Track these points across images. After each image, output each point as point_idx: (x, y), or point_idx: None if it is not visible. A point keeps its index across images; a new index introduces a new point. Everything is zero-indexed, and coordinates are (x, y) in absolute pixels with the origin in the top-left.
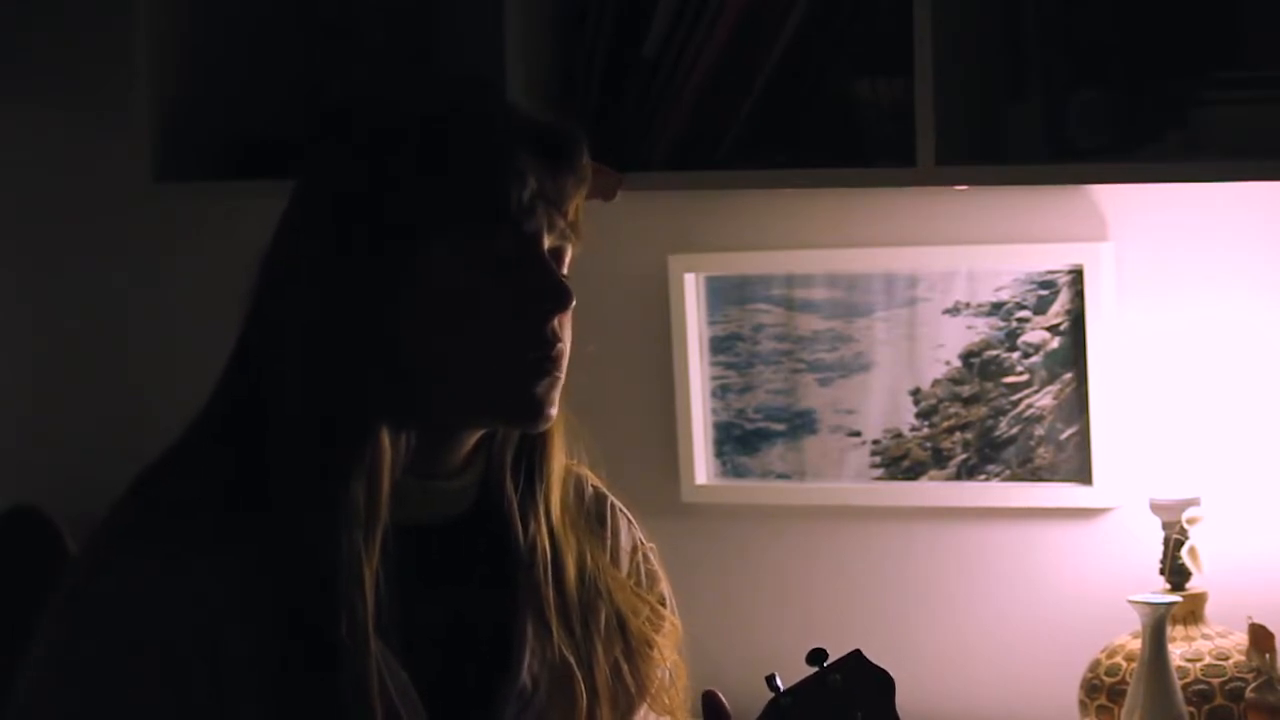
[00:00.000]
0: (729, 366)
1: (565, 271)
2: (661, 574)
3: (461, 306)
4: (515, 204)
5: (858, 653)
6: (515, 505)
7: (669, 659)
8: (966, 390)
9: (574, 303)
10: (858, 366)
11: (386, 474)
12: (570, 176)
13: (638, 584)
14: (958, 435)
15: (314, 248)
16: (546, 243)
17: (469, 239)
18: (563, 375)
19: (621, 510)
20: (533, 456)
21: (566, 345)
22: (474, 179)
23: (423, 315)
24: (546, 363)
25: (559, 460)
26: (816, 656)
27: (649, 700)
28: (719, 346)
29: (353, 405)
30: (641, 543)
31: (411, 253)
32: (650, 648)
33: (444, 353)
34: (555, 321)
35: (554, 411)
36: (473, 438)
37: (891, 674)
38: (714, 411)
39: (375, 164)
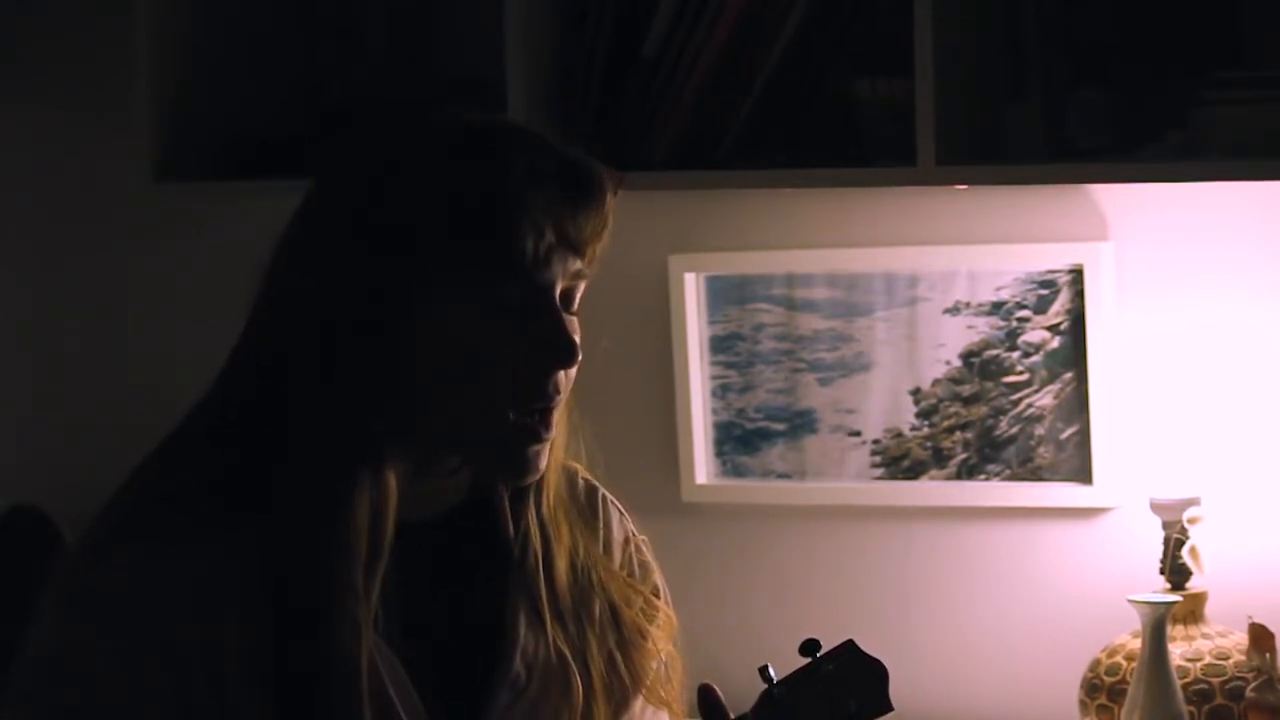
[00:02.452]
0: (729, 366)
1: (576, 306)
2: (655, 565)
3: (463, 352)
4: (529, 257)
5: (851, 642)
6: (506, 498)
7: (664, 650)
8: (967, 390)
9: (578, 360)
10: (858, 366)
11: (390, 501)
12: (593, 220)
13: (630, 575)
14: (958, 435)
15: (316, 278)
16: (560, 286)
17: (477, 286)
18: (553, 430)
19: (613, 502)
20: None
21: (565, 392)
22: (486, 230)
23: (423, 358)
24: (540, 422)
25: (557, 454)
26: (810, 647)
27: (644, 692)
28: (719, 346)
29: (350, 439)
30: (633, 534)
31: (416, 298)
32: (644, 639)
33: (441, 397)
34: (560, 373)
35: (541, 468)
36: None
37: (891, 672)
38: (714, 411)
39: (383, 202)
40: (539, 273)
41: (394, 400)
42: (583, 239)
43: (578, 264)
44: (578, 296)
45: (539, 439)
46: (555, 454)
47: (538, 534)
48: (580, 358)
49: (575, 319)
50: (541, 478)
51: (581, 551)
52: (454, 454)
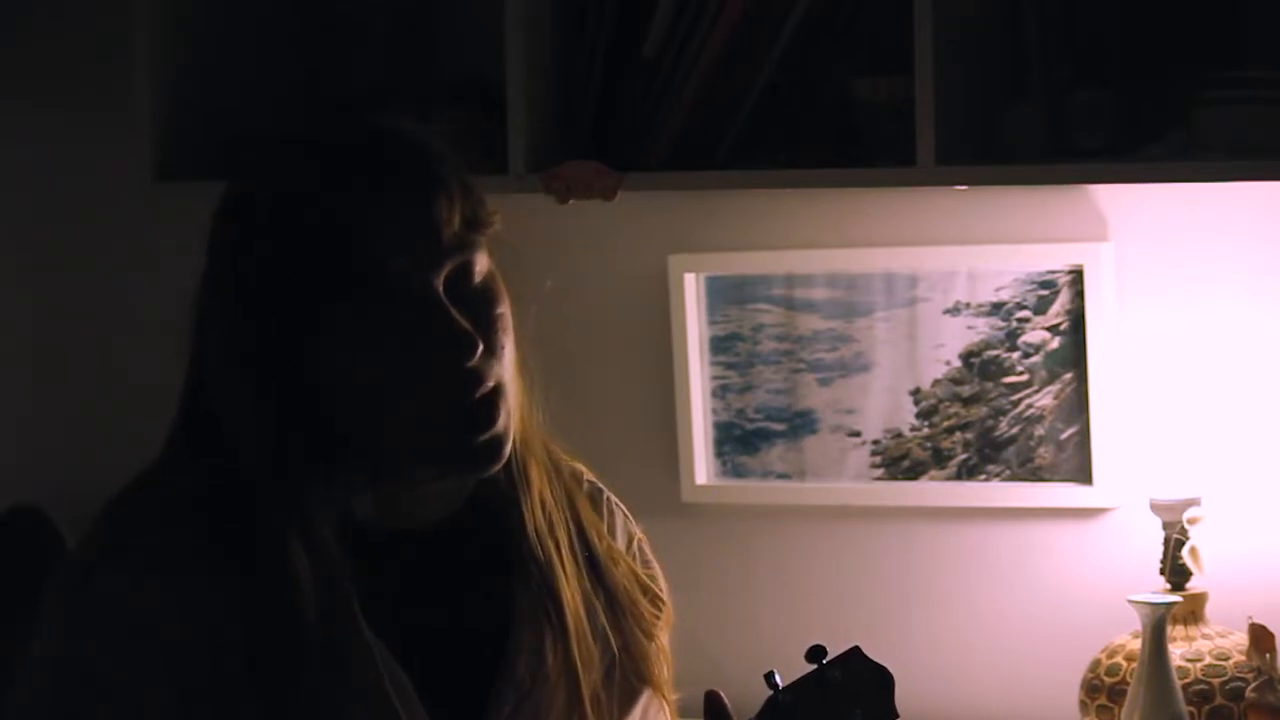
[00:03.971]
0: (729, 366)
1: (479, 275)
2: (658, 569)
3: (369, 378)
4: (389, 275)
5: (857, 649)
6: (508, 498)
7: (663, 645)
8: (966, 390)
9: (480, 345)
10: (858, 366)
11: (322, 521)
12: (432, 209)
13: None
14: (958, 435)
15: (218, 330)
16: (444, 272)
17: (355, 317)
18: (504, 404)
19: (617, 504)
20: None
21: (501, 370)
22: (337, 269)
23: (332, 393)
24: (479, 410)
25: (538, 454)
26: (816, 653)
27: (650, 690)
28: (719, 346)
29: (270, 462)
30: (636, 536)
31: (305, 333)
32: (650, 638)
33: (366, 420)
34: (470, 365)
35: (505, 451)
36: None
37: (891, 672)
38: (714, 411)
39: (234, 263)
40: (408, 283)
41: (315, 433)
42: (434, 236)
43: (449, 242)
44: (476, 268)
45: (481, 428)
46: (528, 437)
47: (545, 532)
48: (480, 346)
49: (482, 285)
50: (526, 479)
51: (587, 551)
52: (411, 464)
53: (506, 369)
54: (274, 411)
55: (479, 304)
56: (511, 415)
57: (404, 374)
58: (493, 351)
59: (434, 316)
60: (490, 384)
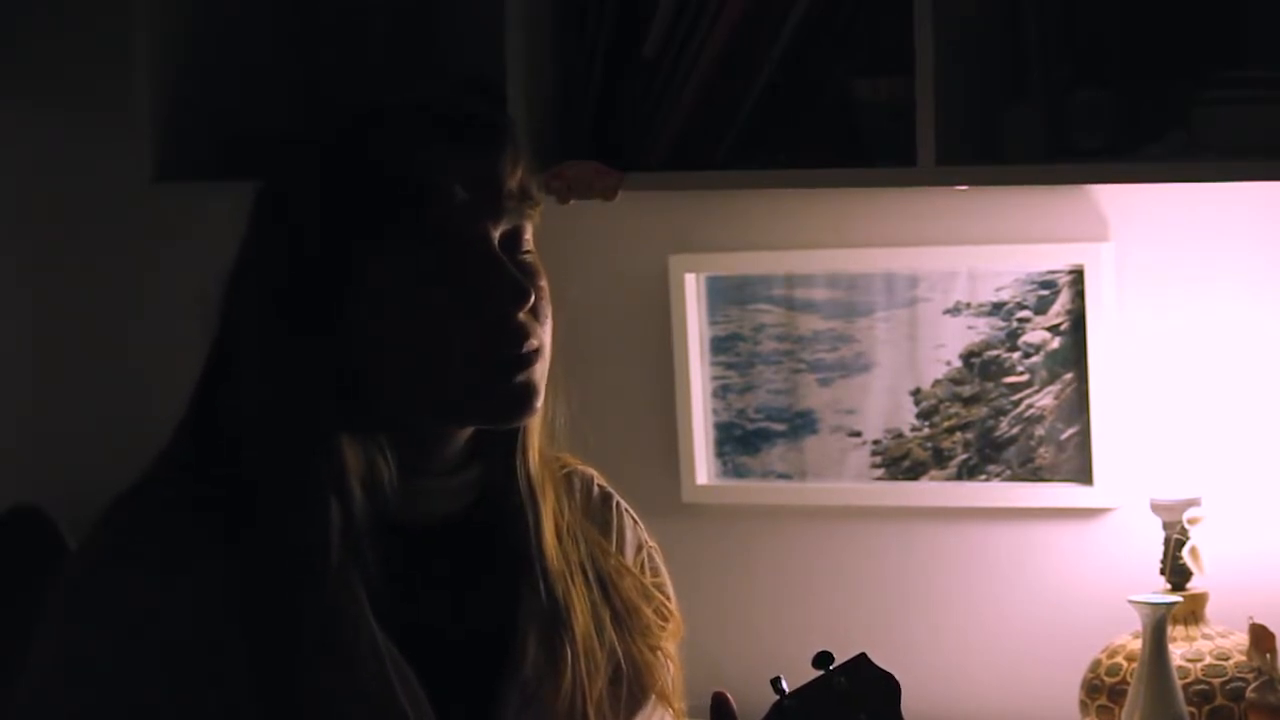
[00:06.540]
0: (729, 366)
1: (527, 247)
2: (665, 573)
3: (417, 319)
4: (447, 220)
5: (863, 656)
6: (518, 498)
7: (671, 655)
8: (967, 390)
9: (532, 297)
10: (858, 366)
11: (356, 485)
12: (499, 158)
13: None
14: (958, 435)
15: (262, 276)
16: (499, 230)
17: (411, 253)
18: (543, 365)
19: (626, 510)
20: (516, 447)
21: (544, 336)
22: (394, 209)
23: (379, 331)
24: (521, 358)
25: (541, 451)
26: (822, 659)
27: (655, 696)
28: (719, 346)
29: (306, 425)
30: (645, 542)
31: (354, 279)
32: (655, 646)
33: (407, 364)
34: (520, 316)
35: (538, 403)
36: (465, 433)
37: (892, 672)
38: (714, 411)
39: (304, 193)
40: (464, 229)
41: (353, 384)
42: (497, 184)
43: (508, 203)
44: (526, 235)
45: (521, 369)
46: (541, 450)
47: (551, 535)
48: (532, 296)
49: (530, 258)
50: (540, 482)
51: (595, 555)
52: (436, 417)
53: (548, 338)
54: (311, 369)
55: (527, 272)
56: (544, 384)
57: (452, 317)
58: (537, 316)
59: (489, 263)
60: (535, 344)
